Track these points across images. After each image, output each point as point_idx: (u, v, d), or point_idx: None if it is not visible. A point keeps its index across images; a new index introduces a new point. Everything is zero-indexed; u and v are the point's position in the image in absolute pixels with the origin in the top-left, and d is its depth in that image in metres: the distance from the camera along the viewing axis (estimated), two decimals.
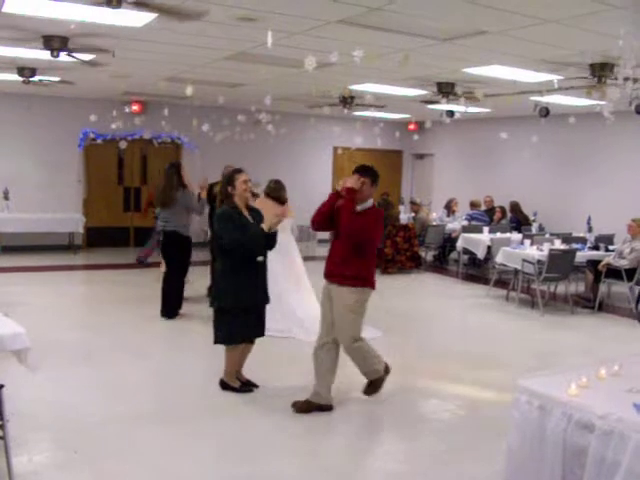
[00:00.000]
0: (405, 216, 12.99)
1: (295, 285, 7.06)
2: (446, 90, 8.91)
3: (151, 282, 8.69)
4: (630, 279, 8.37)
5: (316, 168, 15.39)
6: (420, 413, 5.05)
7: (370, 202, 4.75)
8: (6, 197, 11.66)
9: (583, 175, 12.19)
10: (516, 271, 9.03)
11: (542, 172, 12.93)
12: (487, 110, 12.05)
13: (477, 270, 11.77)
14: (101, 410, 4.69)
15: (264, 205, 6.18)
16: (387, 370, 5.07)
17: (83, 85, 10.35)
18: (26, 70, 8.71)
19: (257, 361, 5.37)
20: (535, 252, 8.83)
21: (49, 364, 5.42)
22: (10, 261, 10.78)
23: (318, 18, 5.63)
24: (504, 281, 9.81)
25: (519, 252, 8.94)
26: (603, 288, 8.96)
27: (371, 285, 4.75)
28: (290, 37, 6.32)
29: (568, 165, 12.47)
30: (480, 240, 10.55)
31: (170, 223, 7.32)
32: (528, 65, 7.40)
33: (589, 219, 10.60)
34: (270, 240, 4.96)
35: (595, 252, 9.33)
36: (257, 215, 5.05)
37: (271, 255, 5.14)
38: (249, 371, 5.27)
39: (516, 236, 10.49)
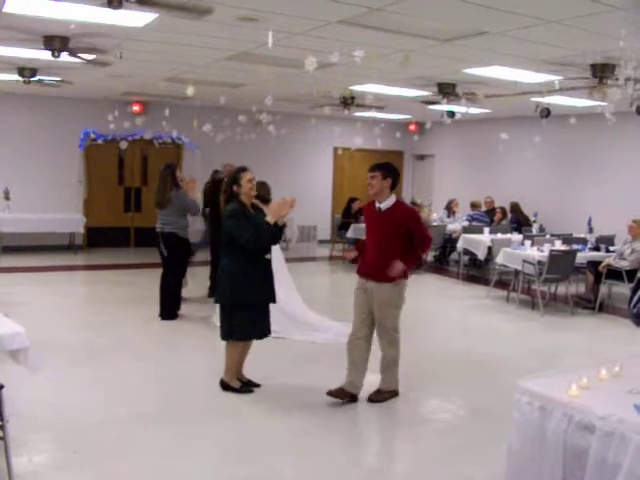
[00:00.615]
0: None
1: (284, 282, 6.98)
2: (447, 91, 8.91)
3: (151, 283, 8.67)
4: (631, 280, 8.35)
5: (316, 168, 15.35)
6: (420, 413, 5.05)
7: (392, 199, 4.88)
8: (7, 197, 11.65)
9: (584, 176, 12.19)
10: (516, 272, 9.03)
11: (543, 173, 12.93)
12: (488, 111, 12.04)
13: (477, 271, 11.76)
14: (101, 410, 4.69)
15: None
16: (397, 394, 5.12)
17: (83, 85, 10.35)
18: (26, 70, 8.72)
19: (257, 361, 5.37)
20: (535, 253, 8.82)
21: (49, 364, 5.42)
22: (11, 261, 10.76)
23: (319, 18, 5.63)
24: (504, 282, 9.80)
25: (519, 253, 8.94)
26: (604, 289, 8.95)
27: (405, 277, 4.94)
28: (291, 37, 6.32)
29: (569, 166, 12.46)
30: (481, 241, 10.55)
31: (168, 225, 7.33)
32: (529, 66, 7.40)
33: (590, 220, 10.59)
34: (277, 235, 4.98)
35: (596, 253, 9.33)
36: (261, 214, 5.05)
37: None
38: (250, 370, 5.27)
39: (516, 237, 10.47)
